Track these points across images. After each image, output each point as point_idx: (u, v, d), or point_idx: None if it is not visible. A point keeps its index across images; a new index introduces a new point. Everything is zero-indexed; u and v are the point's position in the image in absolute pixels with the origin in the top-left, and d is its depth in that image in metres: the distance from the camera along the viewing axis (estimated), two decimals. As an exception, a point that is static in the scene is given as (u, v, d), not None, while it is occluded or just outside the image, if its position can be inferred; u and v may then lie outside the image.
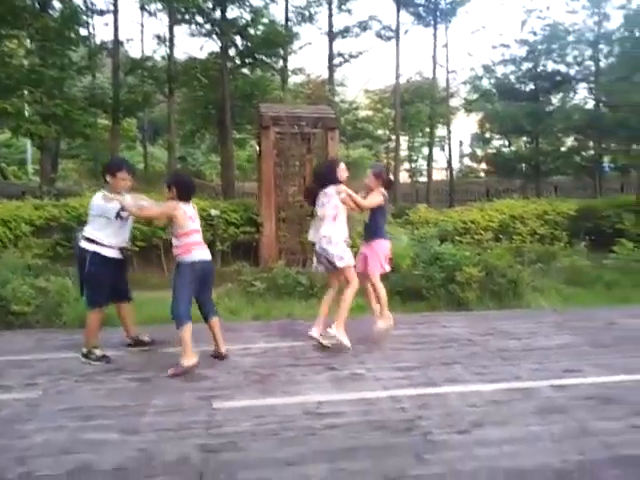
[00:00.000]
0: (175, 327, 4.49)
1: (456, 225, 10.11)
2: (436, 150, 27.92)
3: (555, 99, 20.09)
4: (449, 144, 23.21)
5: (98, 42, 17.64)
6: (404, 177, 30.01)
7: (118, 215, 4.77)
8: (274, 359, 4.86)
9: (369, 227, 5.58)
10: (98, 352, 4.83)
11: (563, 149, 19.54)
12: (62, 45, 14.19)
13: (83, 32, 16.06)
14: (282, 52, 18.97)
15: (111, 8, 17.06)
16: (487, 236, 9.89)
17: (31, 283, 6.49)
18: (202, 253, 4.75)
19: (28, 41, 15.44)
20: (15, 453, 3.00)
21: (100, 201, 4.76)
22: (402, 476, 2.71)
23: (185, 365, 4.42)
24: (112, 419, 3.48)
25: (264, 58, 18.23)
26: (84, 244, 4.76)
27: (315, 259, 5.46)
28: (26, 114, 13.49)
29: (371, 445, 3.07)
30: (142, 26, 23.23)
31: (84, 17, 16.17)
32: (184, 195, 4.77)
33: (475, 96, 22.47)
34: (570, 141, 20.08)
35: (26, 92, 13.85)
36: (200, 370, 4.47)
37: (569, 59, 18.96)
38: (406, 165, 32.18)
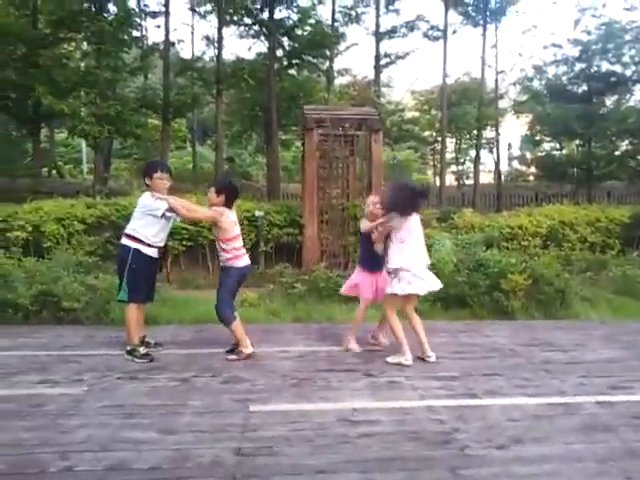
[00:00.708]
0: (224, 326, 4.98)
1: (503, 230, 9.87)
2: (484, 153, 27.43)
3: (609, 101, 19.41)
4: (497, 147, 22.75)
5: (150, 44, 18.15)
6: (450, 180, 29.55)
7: (163, 215, 4.90)
8: (312, 363, 4.87)
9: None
10: (142, 350, 4.95)
11: (617, 153, 18.83)
12: (116, 47, 14.65)
13: (136, 34, 16.57)
14: (328, 53, 19.03)
15: (163, 10, 17.51)
16: (535, 243, 9.64)
17: (81, 280, 6.72)
18: (247, 258, 5.12)
19: (84, 44, 16.02)
20: (58, 447, 3.10)
21: (149, 199, 4.90)
22: (436, 491, 2.67)
23: (245, 352, 4.95)
24: (151, 418, 3.56)
25: (310, 59, 18.34)
26: (126, 241, 4.90)
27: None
28: (81, 115, 13.97)
29: (405, 457, 3.03)
30: (192, 28, 23.67)
31: (137, 19, 16.67)
32: (231, 202, 5.02)
33: (525, 97, 21.91)
34: (625, 145, 19.34)
35: (82, 93, 14.36)
36: (238, 373, 4.53)
37: (625, 59, 18.29)
38: (452, 168, 31.68)
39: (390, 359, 4.93)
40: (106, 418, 3.54)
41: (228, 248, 4.94)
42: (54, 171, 24.93)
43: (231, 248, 4.95)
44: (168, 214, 4.94)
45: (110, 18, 14.82)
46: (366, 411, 3.69)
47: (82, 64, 15.68)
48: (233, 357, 4.96)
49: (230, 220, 4.95)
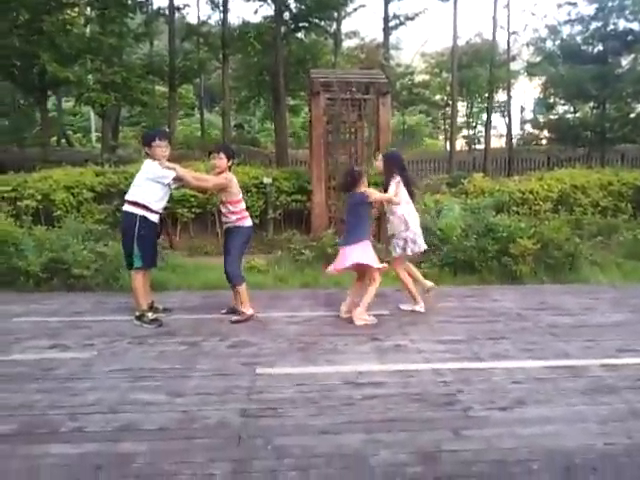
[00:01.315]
0: (231, 285, 5.17)
1: (513, 195, 9.77)
2: (496, 116, 26.97)
3: (625, 61, 18.82)
4: (509, 110, 22.28)
5: (155, 9, 17.80)
6: (461, 145, 29.15)
7: (168, 183, 4.95)
8: (318, 328, 4.91)
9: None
10: (150, 315, 5.03)
11: (632, 115, 18.36)
12: (120, 12, 14.39)
13: (140, -1, 16.22)
14: (336, 15, 18.60)
15: (167, -27, 17.13)
16: (546, 207, 9.54)
17: (91, 248, 6.78)
18: (250, 219, 5.32)
19: (88, 9, 15.76)
20: (69, 409, 3.17)
21: (157, 167, 4.93)
22: (438, 451, 2.70)
23: (247, 313, 5.14)
24: (160, 381, 3.62)
25: (318, 21, 17.94)
26: (131, 208, 4.92)
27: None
28: (88, 82, 13.85)
29: (409, 417, 3.07)
30: (198, -9, 23.21)
31: (140, -17, 16.31)
32: (232, 164, 5.22)
33: (538, 59, 21.32)
34: (640, 106, 18.87)
35: (87, 60, 14.21)
36: (245, 337, 4.59)
37: (644, 16, 17.65)
38: (464, 132, 31.21)
39: (404, 306, 5.57)
40: (115, 381, 3.62)
41: (237, 210, 5.15)
42: (63, 140, 24.90)
43: (240, 209, 5.18)
44: (173, 183, 5.00)
45: (113, -18, 14.53)
46: (371, 374, 3.73)
47: (86, 30, 15.48)
48: (236, 318, 5.12)
49: (236, 181, 5.20)
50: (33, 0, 13.76)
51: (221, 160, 5.10)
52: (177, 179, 5.01)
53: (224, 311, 5.38)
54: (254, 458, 2.62)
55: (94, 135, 27.67)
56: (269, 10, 17.71)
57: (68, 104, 26.14)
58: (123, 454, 2.66)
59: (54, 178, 9.09)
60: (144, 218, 4.89)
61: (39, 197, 8.73)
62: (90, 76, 14.08)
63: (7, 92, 19.53)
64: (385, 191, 5.36)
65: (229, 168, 5.18)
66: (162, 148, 5.02)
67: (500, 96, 24.22)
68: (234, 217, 5.14)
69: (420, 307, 5.46)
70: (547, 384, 3.58)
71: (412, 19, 19.82)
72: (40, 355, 4.17)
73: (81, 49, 13.75)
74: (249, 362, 3.97)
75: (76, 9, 15.50)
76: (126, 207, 4.97)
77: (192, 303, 5.86)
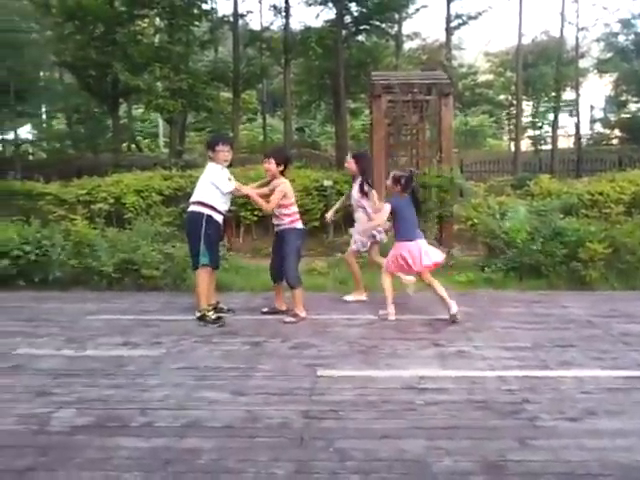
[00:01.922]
0: (290, 288, 5.28)
1: (582, 197, 9.37)
2: (563, 116, 25.92)
3: None
4: (577, 109, 21.43)
5: (219, 16, 18.32)
6: (526, 145, 28.24)
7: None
8: (379, 331, 4.90)
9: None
10: (212, 315, 5.15)
11: None
12: (187, 21, 14.93)
13: (205, 7, 16.70)
14: (397, 17, 18.49)
15: (231, -19, 17.58)
16: (617, 210, 9.09)
17: (159, 249, 7.04)
18: (301, 222, 5.45)
19: (157, 19, 16.41)
20: (139, 404, 3.31)
21: (219, 175, 5.10)
22: (503, 460, 2.64)
23: (301, 316, 5.22)
24: (224, 380, 3.72)
25: (379, 24, 17.89)
26: (197, 208, 5.08)
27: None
28: (156, 89, 14.41)
29: (472, 425, 3.01)
30: (261, -3, 23.63)
31: (206, -9, 16.80)
32: (284, 169, 5.35)
33: (609, 55, 20.44)
34: None
35: (156, 68, 14.79)
36: (306, 338, 4.64)
37: None
38: (529, 132, 30.23)
39: (348, 297, 6.12)
40: (182, 379, 3.75)
41: (290, 212, 5.28)
42: (133, 145, 25.98)
43: (292, 212, 5.30)
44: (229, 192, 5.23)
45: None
46: (433, 379, 3.68)
47: (156, 39, 16.12)
48: (289, 319, 5.20)
49: (290, 188, 5.32)
50: (108, 13, 14.48)
51: (270, 165, 5.25)
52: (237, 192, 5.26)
53: (265, 309, 5.53)
54: (316, 460, 2.64)
55: (162, 140, 28.71)
56: (330, 14, 17.86)
57: (138, 111, 27.28)
58: (190, 450, 2.75)
59: (125, 182, 9.51)
60: (210, 217, 5.06)
61: (111, 200, 9.15)
62: (159, 83, 14.66)
63: (84, 101, 20.58)
64: (363, 192, 5.87)
65: (282, 172, 5.29)
66: (225, 152, 5.21)
67: (568, 95, 23.27)
68: (287, 219, 5.26)
69: (364, 297, 6.06)
70: (619, 395, 3.42)
71: (475, 18, 19.42)
72: (112, 352, 4.37)
73: (150, 58, 14.34)
74: (310, 364, 4.02)
75: (146, 20, 16.20)
76: (192, 207, 5.14)
77: (254, 304, 5.97)
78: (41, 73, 21.76)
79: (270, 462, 2.62)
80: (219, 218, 5.17)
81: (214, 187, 5.08)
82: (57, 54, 17.62)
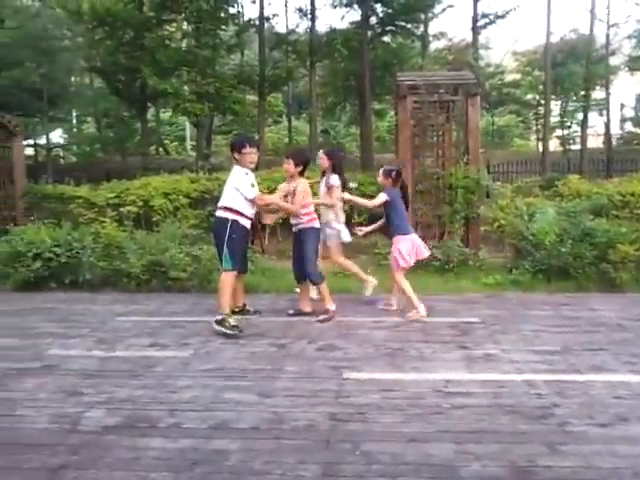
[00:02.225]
0: (313, 284, 5.51)
1: (612, 198, 9.17)
2: (593, 115, 25.40)
3: None
4: (608, 108, 20.96)
5: (246, 20, 18.45)
6: (555, 145, 27.76)
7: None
8: (405, 334, 4.88)
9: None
10: (232, 320, 4.95)
11: None
12: (214, 25, 15.07)
13: (232, 11, 16.86)
14: (423, 17, 18.38)
15: (257, -15, 17.69)
16: (650, 211, 8.88)
17: (187, 251, 7.13)
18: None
19: (185, 24, 16.63)
20: (167, 405, 3.36)
21: (243, 180, 5.08)
22: (532, 466, 2.60)
23: (331, 309, 5.34)
24: (251, 381, 3.75)
25: (405, 24, 17.81)
26: (223, 213, 5.08)
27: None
28: (184, 93, 14.60)
29: (501, 430, 2.97)
30: (286, 1, 23.73)
31: (233, -4, 16.95)
32: (303, 169, 5.47)
33: (642, 52, 19.99)
34: None
35: (183, 72, 14.99)
36: (332, 340, 4.64)
37: None
38: (557, 132, 29.73)
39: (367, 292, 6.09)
40: (210, 380, 3.79)
41: (309, 211, 5.40)
42: (161, 149, 26.36)
43: (311, 211, 5.43)
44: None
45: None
46: (460, 383, 3.65)
47: (183, 44, 16.33)
48: (323, 317, 5.28)
49: (308, 187, 5.44)
50: (136, 19, 14.74)
51: (289, 165, 5.34)
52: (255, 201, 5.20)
53: (291, 312, 5.56)
54: (343, 462, 2.65)
55: (189, 144, 29.07)
56: (356, 15, 17.85)
57: (165, 115, 27.66)
58: (217, 451, 2.78)
59: (153, 185, 9.64)
60: (236, 222, 5.05)
61: (140, 203, 9.28)
62: (186, 87, 14.84)
63: (113, 105, 20.99)
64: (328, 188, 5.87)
65: (301, 173, 5.38)
66: (252, 155, 5.19)
67: (597, 93, 22.81)
68: (306, 218, 5.37)
69: (373, 279, 6.11)
70: (653, 401, 3.34)
71: (502, 17, 19.11)
72: (141, 352, 4.44)
73: (178, 62, 14.54)
74: (336, 366, 4.02)
75: (174, 24, 16.42)
76: (219, 213, 5.15)
77: (280, 306, 5.99)
78: (72, 78, 22.27)
79: (296, 464, 2.63)
80: (246, 223, 5.15)
81: (238, 192, 5.07)
82: (88, 60, 18.05)
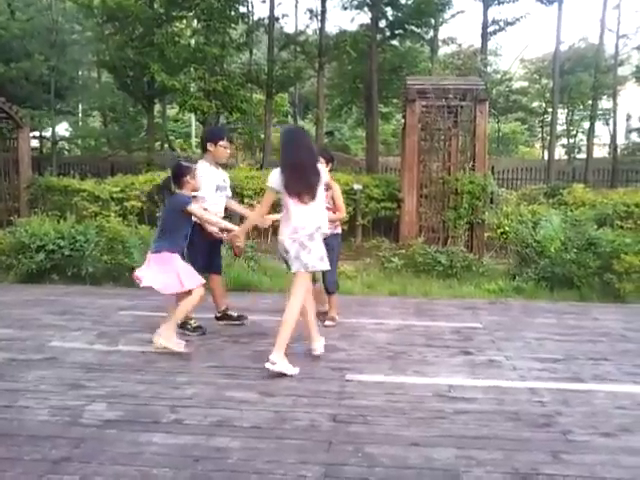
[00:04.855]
0: (328, 293, 5.24)
1: (617, 208, 9.16)
2: (599, 125, 25.36)
3: None
4: (614, 118, 20.94)
5: (255, 19, 18.44)
6: (560, 154, 27.74)
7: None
8: (408, 337, 4.86)
9: None
10: (193, 323, 4.84)
11: None
12: (224, 23, 15.03)
13: (242, 10, 16.85)
14: (433, 21, 18.36)
15: (268, -15, 17.67)
16: (655, 222, 8.87)
17: (189, 248, 7.11)
18: None
19: (194, 21, 16.62)
20: (169, 401, 3.35)
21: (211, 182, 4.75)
22: (535, 473, 2.58)
23: (337, 319, 5.21)
24: (253, 380, 3.74)
25: (414, 29, 17.80)
26: None
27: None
28: (191, 90, 14.60)
29: (503, 436, 2.96)
30: (296, 1, 23.78)
31: (243, -5, 16.94)
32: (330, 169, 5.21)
33: (650, 63, 19.97)
34: None
35: (192, 70, 14.99)
36: (334, 342, 4.63)
37: None
38: (563, 141, 29.70)
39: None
40: (211, 377, 3.78)
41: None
42: (166, 145, 26.36)
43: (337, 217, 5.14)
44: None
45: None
46: (463, 388, 3.64)
47: (192, 41, 16.32)
48: (330, 324, 5.17)
49: None
50: (147, 14, 14.75)
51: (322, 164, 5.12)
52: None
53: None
54: (344, 464, 2.63)
55: (194, 141, 29.06)
56: (365, 18, 17.83)
57: (172, 111, 27.66)
58: (219, 448, 2.77)
59: (158, 180, 9.63)
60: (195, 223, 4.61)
61: (144, 198, 9.29)
62: (193, 84, 14.83)
63: (119, 100, 21.00)
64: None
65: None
66: (226, 150, 4.88)
67: (604, 103, 22.80)
68: (333, 225, 5.03)
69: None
70: (656, 412, 3.33)
71: (512, 24, 19.05)
72: (143, 347, 4.43)
73: (187, 59, 14.53)
74: (338, 367, 4.01)
75: (184, 21, 16.41)
76: None
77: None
78: (80, 72, 22.29)
79: (298, 464, 2.62)
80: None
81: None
82: (96, 54, 18.03)
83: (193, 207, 4.35)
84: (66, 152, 24.96)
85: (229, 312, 5.20)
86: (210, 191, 4.76)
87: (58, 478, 2.49)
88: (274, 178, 3.96)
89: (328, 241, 4.81)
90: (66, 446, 2.77)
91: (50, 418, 3.11)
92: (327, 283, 5.20)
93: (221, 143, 4.81)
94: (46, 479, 2.48)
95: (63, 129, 25.26)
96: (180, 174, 4.39)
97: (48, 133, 21.01)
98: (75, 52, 18.77)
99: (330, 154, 5.36)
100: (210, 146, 4.80)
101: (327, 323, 5.16)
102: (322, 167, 4.22)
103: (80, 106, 24.98)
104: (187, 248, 4.57)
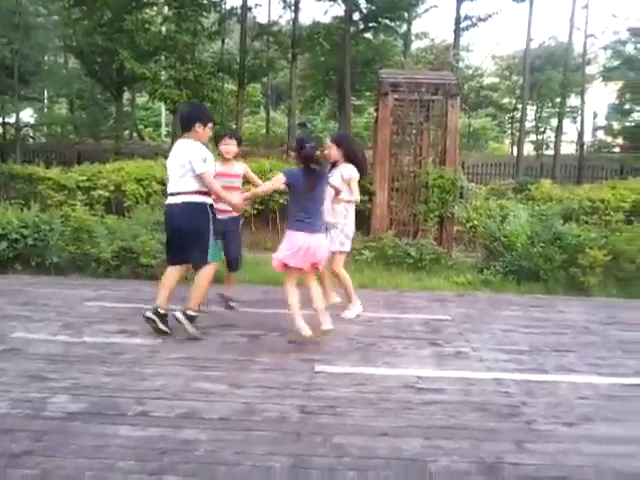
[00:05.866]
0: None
1: (583, 204, 9.37)
2: (566, 122, 25.90)
3: None
4: (582, 115, 21.41)
5: (228, 8, 18.22)
6: (528, 150, 28.23)
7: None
8: (378, 329, 4.89)
9: None
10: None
11: None
12: (195, 11, 14.82)
13: (214, -2, 16.62)
14: (407, 15, 18.43)
15: (241, -26, 17.48)
16: (617, 217, 9.09)
17: (158, 238, 7.00)
18: None
19: (165, 8, 16.33)
20: (135, 393, 3.30)
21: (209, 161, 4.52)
22: (500, 462, 2.63)
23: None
24: (222, 371, 3.71)
25: (388, 22, 17.84)
26: (197, 197, 4.54)
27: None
28: (161, 78, 14.35)
29: (470, 426, 3.00)
30: (270, -9, 23.58)
31: (216, -17, 16.70)
32: None
33: (616, 63, 20.42)
34: None
35: (162, 57, 14.74)
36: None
37: None
38: (532, 137, 30.24)
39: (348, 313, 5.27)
40: (179, 369, 3.73)
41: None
42: (135, 133, 25.90)
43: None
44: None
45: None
46: (431, 379, 3.67)
47: (163, 28, 16.04)
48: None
49: None
50: (117, 0, 14.41)
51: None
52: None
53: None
54: (313, 455, 2.63)
55: (164, 130, 28.64)
56: (339, 10, 17.81)
57: (141, 99, 27.20)
58: (186, 440, 2.74)
59: (126, 170, 9.46)
60: (212, 206, 4.57)
61: (111, 187, 9.09)
62: (164, 72, 14.58)
63: (87, 87, 20.51)
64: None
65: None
66: (209, 133, 4.61)
67: (572, 101, 23.27)
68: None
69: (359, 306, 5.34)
70: (616, 402, 3.42)
71: (484, 20, 19.30)
72: (109, 339, 4.35)
73: (157, 46, 14.30)
74: (308, 359, 4.00)
75: (155, 8, 16.11)
76: (189, 197, 4.56)
77: (253, 297, 5.95)
78: (46, 57, 21.65)
79: (267, 456, 2.60)
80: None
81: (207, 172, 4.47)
82: (63, 39, 17.55)
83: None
84: (31, 139, 24.27)
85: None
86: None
87: (18, 472, 2.42)
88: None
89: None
90: (27, 439, 2.70)
91: (11, 411, 3.02)
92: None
93: (210, 125, 4.59)
94: (6, 473, 2.41)
95: (28, 115, 24.54)
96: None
97: (12, 119, 20.38)
98: (40, 36, 18.12)
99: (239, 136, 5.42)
100: (199, 127, 4.46)
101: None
102: None
103: (46, 92, 24.28)
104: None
